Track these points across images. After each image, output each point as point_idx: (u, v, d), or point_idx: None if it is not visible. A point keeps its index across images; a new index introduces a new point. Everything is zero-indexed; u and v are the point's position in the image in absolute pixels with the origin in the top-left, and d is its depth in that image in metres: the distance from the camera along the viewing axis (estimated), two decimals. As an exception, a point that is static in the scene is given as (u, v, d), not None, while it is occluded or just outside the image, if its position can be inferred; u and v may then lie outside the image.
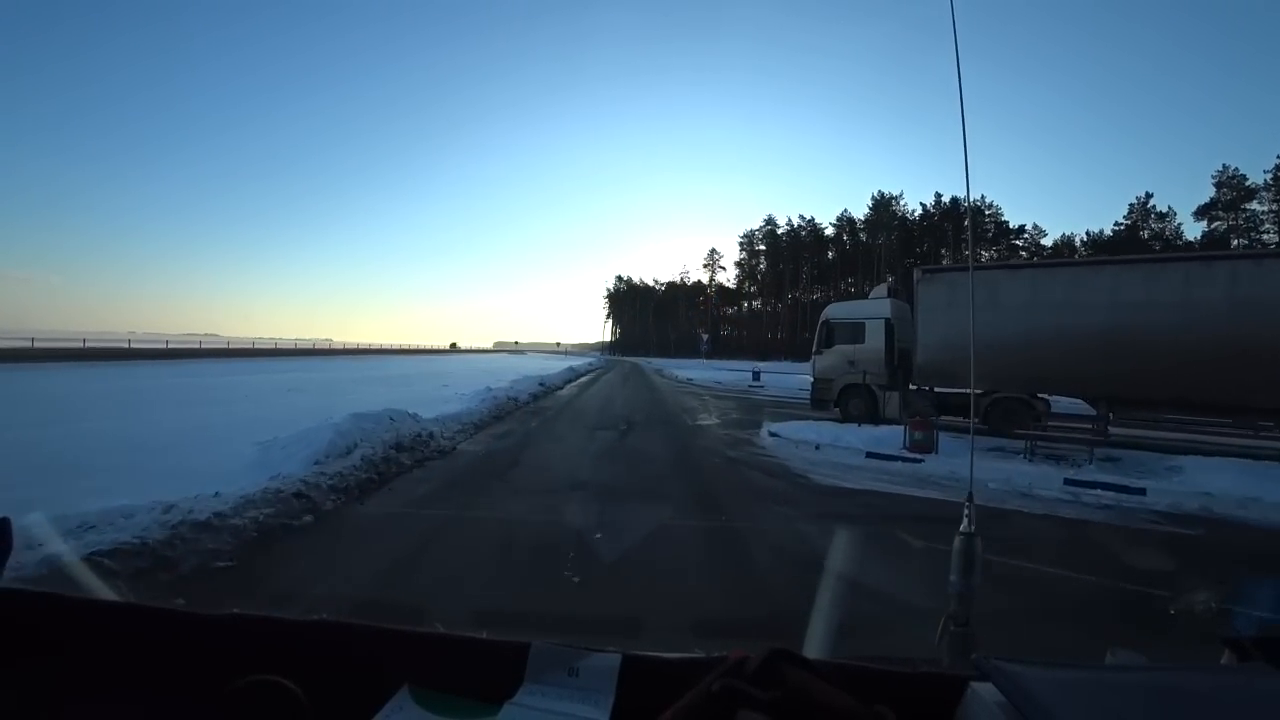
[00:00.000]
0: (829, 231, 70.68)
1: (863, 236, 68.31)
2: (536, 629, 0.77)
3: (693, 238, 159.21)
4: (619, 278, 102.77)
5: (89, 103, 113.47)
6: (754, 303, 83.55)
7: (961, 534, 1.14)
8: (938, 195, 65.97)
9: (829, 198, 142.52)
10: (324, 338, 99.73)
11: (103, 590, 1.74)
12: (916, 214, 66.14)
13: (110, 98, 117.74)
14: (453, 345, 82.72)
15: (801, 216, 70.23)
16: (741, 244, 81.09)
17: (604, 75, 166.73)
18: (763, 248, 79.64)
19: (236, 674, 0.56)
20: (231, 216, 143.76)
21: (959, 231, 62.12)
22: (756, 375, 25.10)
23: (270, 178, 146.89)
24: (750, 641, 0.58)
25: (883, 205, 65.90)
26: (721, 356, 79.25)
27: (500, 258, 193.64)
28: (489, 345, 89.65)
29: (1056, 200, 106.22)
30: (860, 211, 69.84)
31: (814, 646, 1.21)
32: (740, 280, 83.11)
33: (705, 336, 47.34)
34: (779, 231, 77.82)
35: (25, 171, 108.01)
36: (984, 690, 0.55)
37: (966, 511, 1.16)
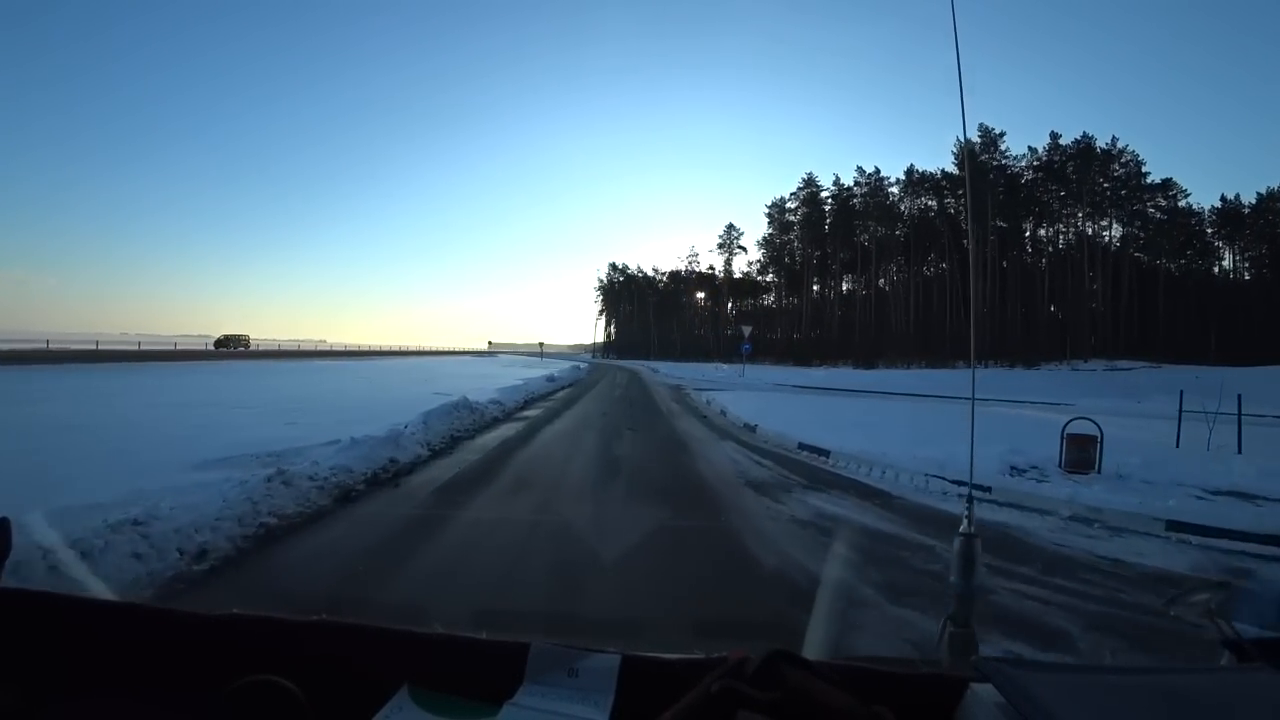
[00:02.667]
0: (894, 190, 51.18)
1: (930, 201, 48.76)
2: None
3: (702, 234, 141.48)
4: (613, 266, 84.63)
5: (81, 101, 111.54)
6: (783, 294, 63.91)
7: (961, 535, 1.16)
8: (1054, 136, 45.84)
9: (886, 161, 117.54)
10: (319, 338, 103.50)
11: (103, 590, 1.79)
12: (1022, 162, 46.53)
13: (98, 96, 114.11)
14: (225, 339, 49.87)
15: (860, 170, 51.15)
16: (770, 214, 61.73)
17: (597, 66, 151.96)
18: (795, 219, 59.35)
19: (236, 674, 0.59)
20: (218, 215, 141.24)
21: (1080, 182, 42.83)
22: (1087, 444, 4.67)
23: (255, 175, 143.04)
24: (750, 642, 0.61)
25: (979, 150, 46.31)
26: (720, 358, 60.01)
27: (495, 257, 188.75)
28: (483, 345, 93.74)
29: (1222, 146, 75.50)
30: (932, 164, 50.15)
31: (814, 647, 1.24)
32: (765, 263, 64.24)
33: (747, 331, 35.06)
34: (822, 194, 57.85)
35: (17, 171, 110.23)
36: (984, 691, 0.58)
37: (966, 512, 1.18)
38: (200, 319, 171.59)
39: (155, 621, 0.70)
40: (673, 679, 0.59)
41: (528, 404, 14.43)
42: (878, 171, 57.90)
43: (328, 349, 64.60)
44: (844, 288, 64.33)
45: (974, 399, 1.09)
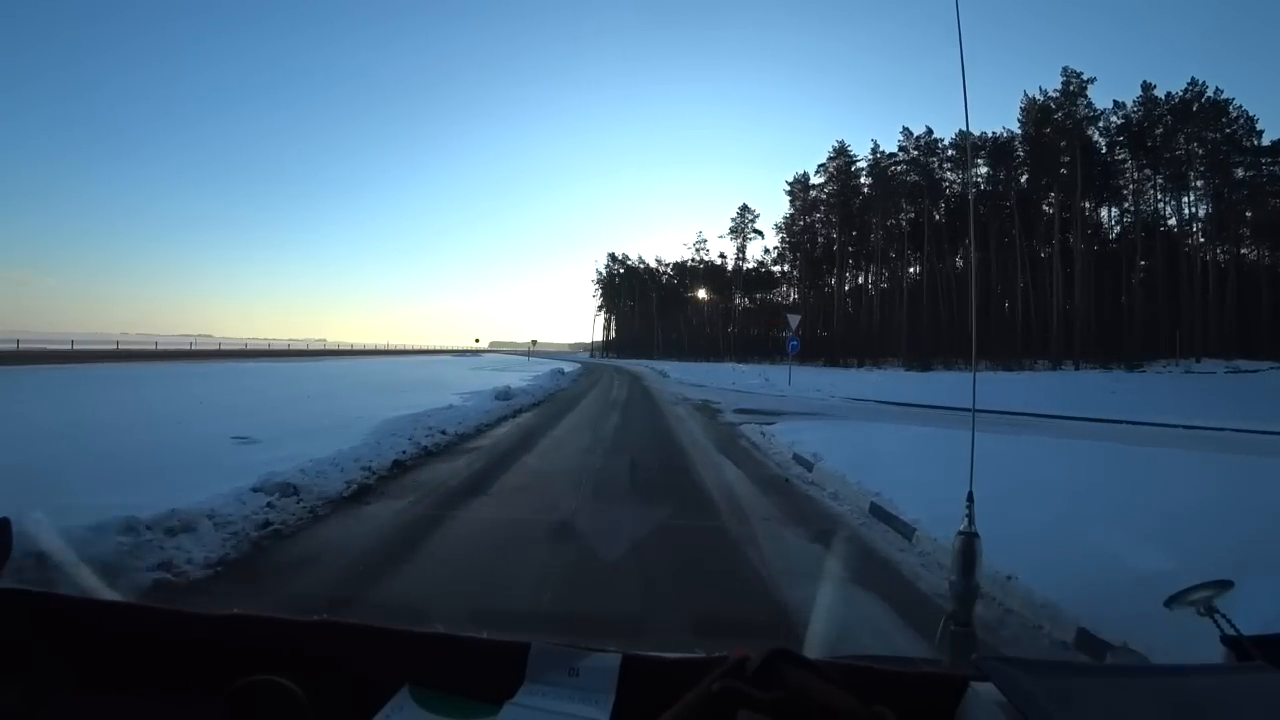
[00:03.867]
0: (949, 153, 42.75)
1: (985, 170, 40.43)
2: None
3: (711, 222, 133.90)
4: (612, 257, 77.13)
5: (80, 103, 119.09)
6: (805, 284, 55.58)
7: (962, 533, 1.14)
8: (1146, 86, 36.72)
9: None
10: (318, 338, 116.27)
11: (103, 591, 1.69)
12: (1101, 121, 37.61)
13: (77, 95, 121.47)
14: None
15: (906, 132, 42.75)
16: (792, 191, 53.23)
17: (594, 58, 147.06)
18: (823, 195, 50.86)
19: (236, 674, 0.60)
20: (213, 217, 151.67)
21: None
22: None
23: (250, 175, 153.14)
24: (751, 641, 0.61)
25: (1055, 105, 37.59)
26: (733, 358, 52.40)
27: (494, 255, 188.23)
28: (473, 344, 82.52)
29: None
30: (994, 124, 42.07)
31: (814, 646, 1.30)
32: (783, 250, 56.35)
33: (795, 323, 24.94)
34: (856, 165, 49.22)
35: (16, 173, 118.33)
36: (984, 690, 0.59)
37: (966, 511, 1.16)
38: (195, 318, 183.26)
39: (155, 621, 0.72)
40: (673, 679, 0.59)
41: (394, 476, 6.17)
42: (929, 132, 49.40)
43: (281, 349, 61.24)
44: (869, 277, 55.95)
45: (974, 408, 1.24)
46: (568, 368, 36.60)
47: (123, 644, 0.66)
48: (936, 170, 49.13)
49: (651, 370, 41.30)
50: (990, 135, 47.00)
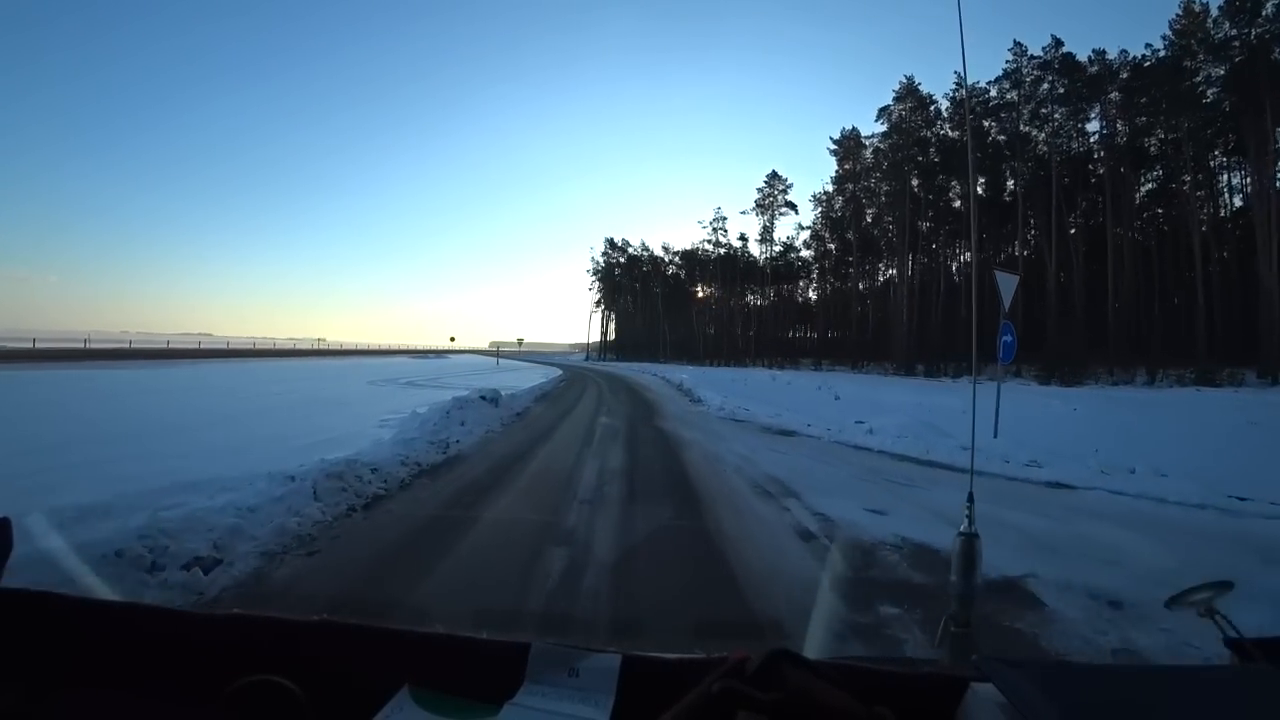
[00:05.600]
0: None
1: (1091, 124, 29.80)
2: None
3: (728, 205, 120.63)
4: (610, 243, 64.53)
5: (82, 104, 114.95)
6: (860, 270, 44.32)
7: (961, 534, 1.14)
8: None
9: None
10: (318, 337, 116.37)
11: (103, 590, 1.87)
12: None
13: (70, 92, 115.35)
14: None
15: (1018, 48, 29.07)
16: (840, 149, 39.76)
17: (594, 50, 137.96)
18: (883, 146, 37.23)
19: (236, 674, 0.62)
20: (203, 211, 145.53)
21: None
22: None
23: (243, 166, 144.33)
24: (751, 642, 0.65)
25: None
26: (760, 362, 41.79)
27: (494, 253, 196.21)
28: (486, 344, 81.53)
29: None
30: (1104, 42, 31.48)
31: (814, 647, 1.31)
32: (819, 230, 44.08)
33: (1008, 295, 8.09)
34: (935, 105, 36.77)
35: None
36: (985, 691, 0.60)
37: (967, 512, 1.17)
38: (197, 316, 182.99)
39: (156, 621, 0.74)
40: (673, 679, 0.60)
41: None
42: (1056, 44, 36.35)
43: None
44: (956, 259, 43.67)
45: (973, 417, 1.29)
46: (538, 378, 25.54)
47: (123, 644, 0.68)
48: (1056, 112, 36.98)
49: (663, 381, 31.03)
50: (1132, 57, 35.18)
